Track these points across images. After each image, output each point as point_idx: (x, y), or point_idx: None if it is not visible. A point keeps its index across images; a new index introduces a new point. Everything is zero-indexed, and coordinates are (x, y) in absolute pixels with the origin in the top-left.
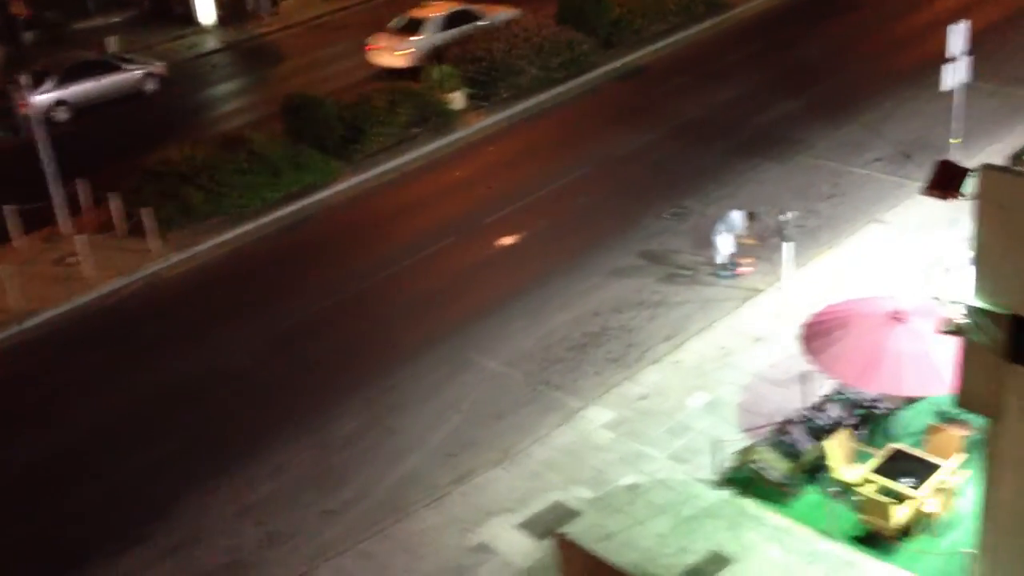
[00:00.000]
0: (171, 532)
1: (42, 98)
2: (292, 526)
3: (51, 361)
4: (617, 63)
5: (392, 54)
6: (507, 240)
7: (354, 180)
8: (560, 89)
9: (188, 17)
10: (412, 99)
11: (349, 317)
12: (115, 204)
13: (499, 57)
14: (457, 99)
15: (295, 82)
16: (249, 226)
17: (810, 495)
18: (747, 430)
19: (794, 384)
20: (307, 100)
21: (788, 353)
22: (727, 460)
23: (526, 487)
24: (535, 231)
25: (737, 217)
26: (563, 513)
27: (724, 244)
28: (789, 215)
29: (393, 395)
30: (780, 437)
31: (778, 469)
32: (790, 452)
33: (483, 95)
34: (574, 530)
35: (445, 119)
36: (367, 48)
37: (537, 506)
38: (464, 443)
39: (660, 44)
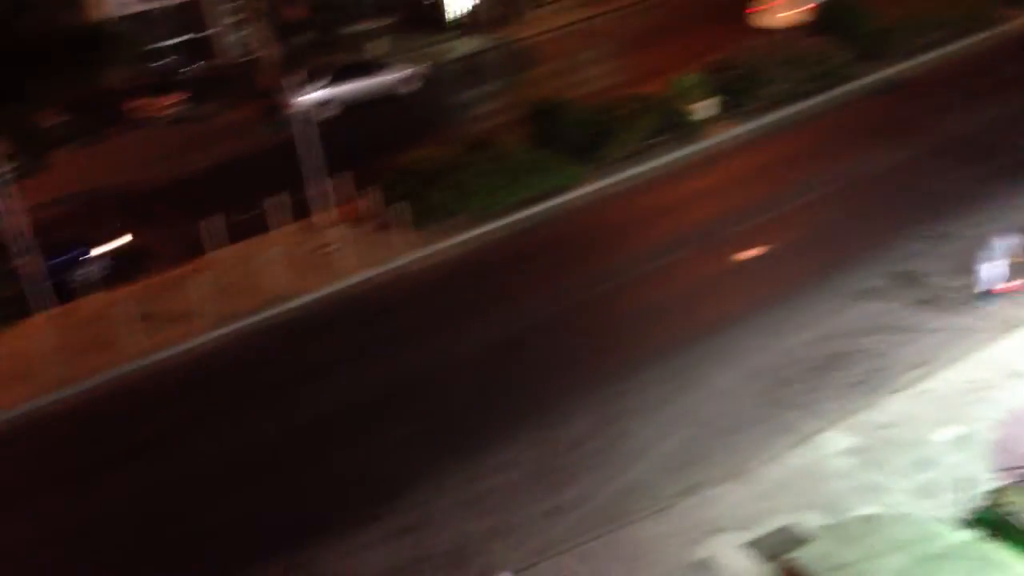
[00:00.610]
0: (404, 513)
1: (312, 96)
2: (516, 520)
3: (306, 342)
4: (875, 76)
5: (780, 14)
6: (748, 254)
7: (596, 185)
8: (813, 101)
9: (445, 23)
10: (658, 107)
11: (583, 321)
12: (370, 198)
13: (750, 67)
14: (704, 108)
15: (544, 87)
16: (492, 225)
17: None
18: (1000, 470)
19: None
20: (554, 105)
21: None
22: (975, 500)
23: (755, 507)
24: (778, 246)
25: (1006, 242)
26: (792, 537)
27: (988, 272)
28: None
29: (624, 402)
30: None
31: None
32: None
33: (732, 104)
34: (803, 556)
35: (691, 128)
36: (748, 11)
37: (765, 527)
38: (693, 456)
39: (923, 58)
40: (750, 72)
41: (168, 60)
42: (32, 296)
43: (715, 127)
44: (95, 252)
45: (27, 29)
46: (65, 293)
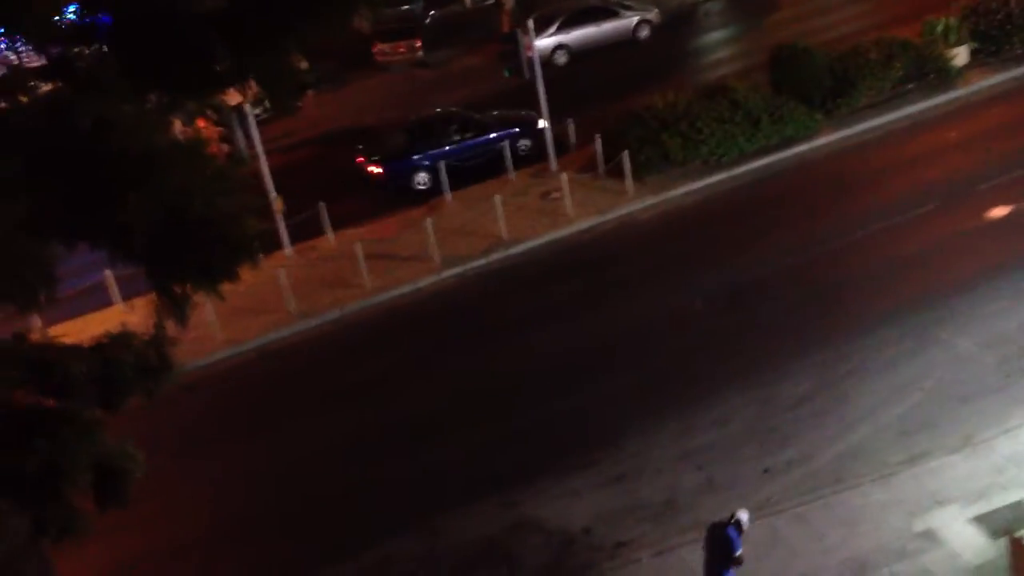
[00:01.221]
0: (617, 461)
1: (545, 42)
2: (730, 477)
3: (530, 286)
4: None
5: None
6: (999, 211)
7: (836, 135)
8: None
9: None
10: (910, 52)
11: (812, 277)
12: (598, 146)
13: (1016, 10)
14: (961, 54)
15: (786, 32)
16: (722, 175)
17: None
18: None
19: None
20: (795, 51)
21: None
22: None
23: (986, 480)
24: None
25: None
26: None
27: None
28: None
29: (850, 362)
30: None
31: None
32: None
33: (992, 51)
34: None
35: (944, 75)
36: None
37: (996, 502)
38: (922, 423)
39: None
40: (1011, 15)
41: (410, 6)
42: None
43: (974, 74)
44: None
45: None
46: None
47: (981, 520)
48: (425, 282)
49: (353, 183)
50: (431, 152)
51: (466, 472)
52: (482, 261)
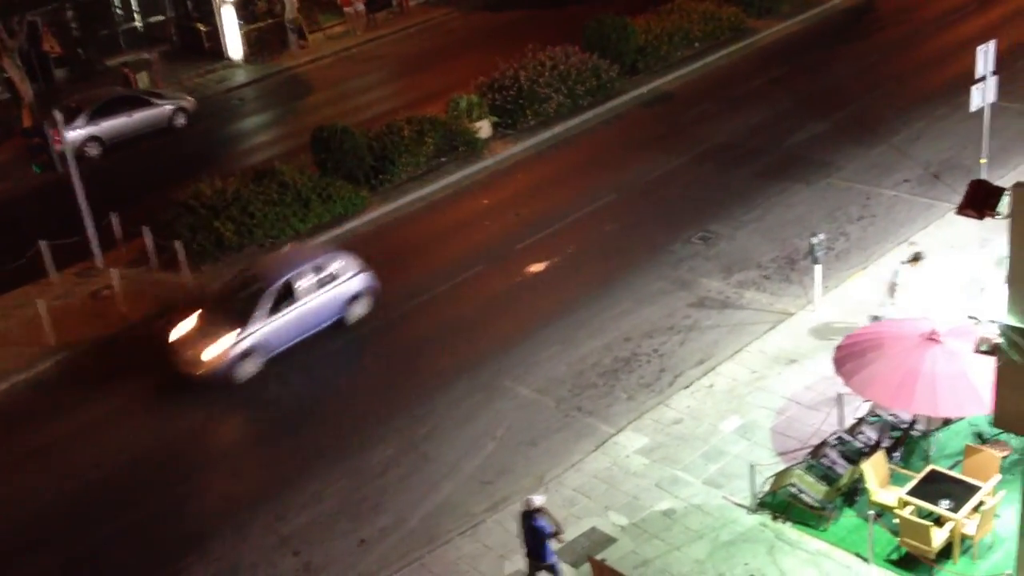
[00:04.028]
0: (209, 563)
1: (75, 134)
2: (329, 556)
3: (88, 393)
4: (643, 89)
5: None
6: (537, 267)
7: (383, 209)
8: (586, 116)
9: (218, 52)
10: (439, 128)
11: (378, 345)
12: (148, 238)
13: (524, 85)
14: (484, 127)
15: (324, 114)
16: None
17: (847, 519)
18: (782, 454)
19: (828, 407)
20: (335, 131)
21: (821, 376)
22: (763, 484)
23: (561, 514)
24: (564, 258)
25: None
26: (599, 539)
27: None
28: (819, 237)
29: (427, 422)
30: (816, 460)
31: (814, 493)
32: (826, 476)
33: (509, 123)
34: (610, 557)
35: (472, 148)
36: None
37: (572, 533)
38: (499, 470)
39: (686, 70)
40: (527, 89)
41: None
42: None
43: (497, 145)
44: None
45: None
46: None
47: (562, 552)
48: None
49: None
50: None
51: None
52: (27, 372)
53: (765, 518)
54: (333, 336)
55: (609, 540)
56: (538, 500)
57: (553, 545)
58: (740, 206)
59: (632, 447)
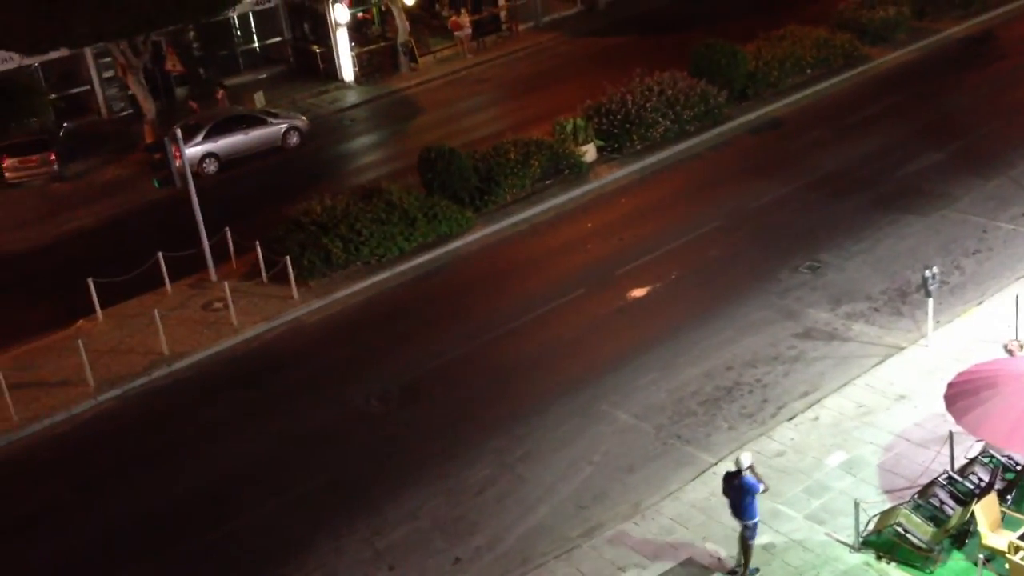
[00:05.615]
0: (307, 572)
1: (193, 151)
2: (423, 572)
3: (196, 401)
4: (752, 115)
5: None
6: (639, 292)
7: (487, 231)
8: (693, 141)
9: (331, 73)
10: (545, 151)
11: (480, 366)
12: (259, 253)
13: (631, 109)
14: (590, 151)
15: (431, 135)
16: (385, 275)
17: (955, 562)
18: (888, 492)
19: (939, 445)
20: (442, 152)
21: (932, 412)
22: (868, 523)
23: (658, 543)
24: (667, 283)
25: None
26: (696, 571)
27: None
28: (933, 270)
29: (524, 444)
30: (924, 500)
31: (921, 534)
32: (935, 516)
33: (615, 147)
34: None
35: (577, 171)
36: None
37: (669, 563)
38: (595, 495)
39: (797, 96)
40: (634, 114)
41: (44, 117)
42: None
43: (603, 169)
44: None
45: None
46: None
47: None
48: (80, 407)
49: None
50: None
51: None
52: (143, 380)
53: (869, 557)
54: (434, 355)
55: (706, 572)
56: (746, 459)
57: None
58: (850, 236)
59: None
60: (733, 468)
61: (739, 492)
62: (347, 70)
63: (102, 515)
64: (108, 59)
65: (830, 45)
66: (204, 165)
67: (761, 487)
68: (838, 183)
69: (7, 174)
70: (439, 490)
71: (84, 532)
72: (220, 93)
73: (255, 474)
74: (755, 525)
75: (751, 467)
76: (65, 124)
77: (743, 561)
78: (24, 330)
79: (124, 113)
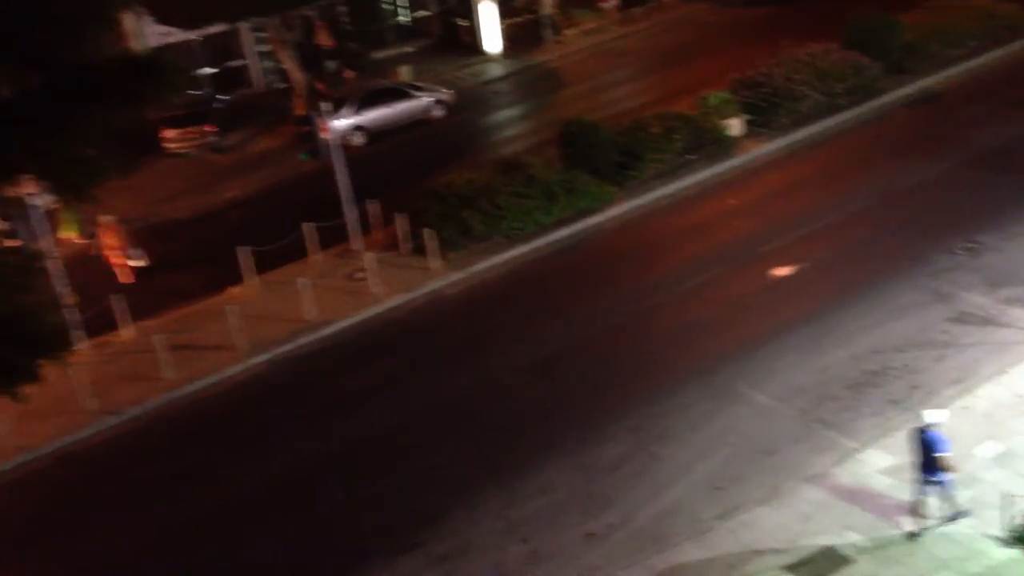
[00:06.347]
0: (441, 541)
1: (342, 123)
2: (556, 546)
3: (339, 368)
4: (908, 89)
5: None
6: (782, 271)
7: (627, 206)
8: (845, 116)
9: (475, 46)
10: (688, 125)
11: (616, 342)
12: (401, 224)
13: (780, 82)
14: (736, 125)
15: (574, 108)
16: (524, 248)
17: None
18: None
19: None
20: (584, 126)
21: None
22: (1019, 516)
23: (796, 528)
24: (813, 263)
25: None
26: (835, 559)
27: None
28: None
29: (659, 423)
30: None
31: None
32: None
33: (762, 121)
34: None
35: (721, 146)
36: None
37: (807, 549)
38: (731, 477)
39: (957, 69)
40: (782, 87)
41: (202, 89)
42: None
43: (749, 144)
44: None
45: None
46: None
47: (794, 568)
48: (232, 370)
49: (147, 272)
50: None
51: (287, 561)
52: (290, 345)
53: (1019, 552)
54: (571, 330)
55: (845, 561)
56: (936, 415)
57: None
58: (1012, 216)
59: (876, 465)
60: (923, 422)
61: (925, 447)
62: (491, 43)
63: (248, 474)
64: (263, 34)
65: (994, 16)
66: (352, 137)
67: (948, 450)
68: (999, 160)
69: (168, 145)
70: (573, 465)
71: (233, 488)
72: (349, 73)
73: (392, 441)
74: (945, 482)
75: (938, 423)
76: (221, 97)
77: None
78: (182, 295)
79: (277, 87)
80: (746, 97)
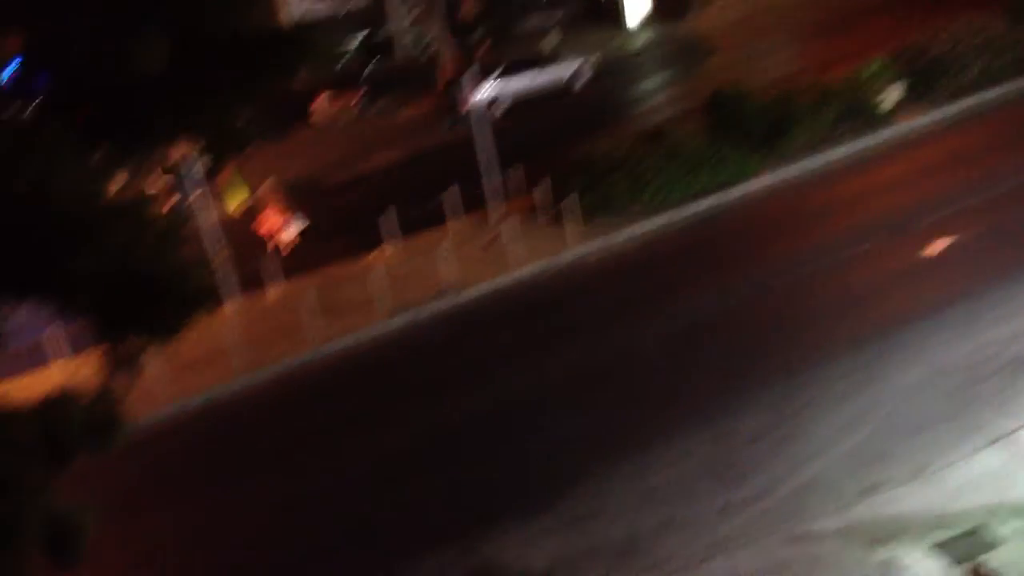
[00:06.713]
0: (576, 503)
1: (485, 92)
2: (690, 514)
3: (478, 333)
4: None
5: None
6: (939, 245)
7: (775, 177)
8: (1010, 87)
9: (618, 15)
10: (842, 95)
11: (761, 313)
12: (541, 192)
13: (941, 52)
14: (892, 95)
15: (720, 77)
16: (666, 218)
17: None
18: None
19: None
20: (730, 96)
21: None
22: None
23: (944, 508)
24: (972, 238)
25: None
26: (983, 542)
27: None
28: None
29: (803, 396)
30: None
31: None
32: None
33: (921, 91)
34: (997, 561)
35: (877, 116)
36: None
37: (955, 529)
38: (875, 454)
39: None
40: (939, 58)
41: (348, 59)
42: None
43: (906, 114)
44: None
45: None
46: None
47: (940, 548)
48: (375, 330)
49: (300, 235)
50: None
51: (426, 518)
52: (432, 308)
53: None
54: (714, 300)
55: (995, 543)
56: None
57: None
58: None
59: None
60: None
61: None
62: (634, 13)
63: (390, 432)
64: (410, 3)
65: None
66: (494, 106)
67: None
68: None
69: (317, 114)
70: (711, 435)
71: (376, 446)
72: (493, 43)
73: (532, 404)
74: None
75: None
76: (370, 66)
77: None
78: (329, 256)
79: (423, 56)
80: (906, 65)
